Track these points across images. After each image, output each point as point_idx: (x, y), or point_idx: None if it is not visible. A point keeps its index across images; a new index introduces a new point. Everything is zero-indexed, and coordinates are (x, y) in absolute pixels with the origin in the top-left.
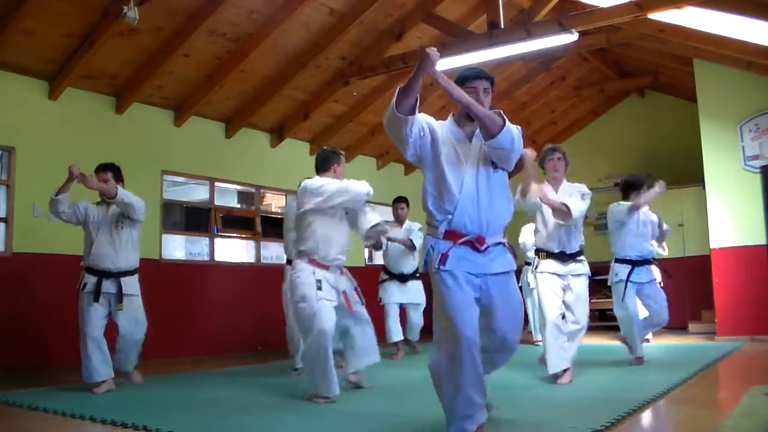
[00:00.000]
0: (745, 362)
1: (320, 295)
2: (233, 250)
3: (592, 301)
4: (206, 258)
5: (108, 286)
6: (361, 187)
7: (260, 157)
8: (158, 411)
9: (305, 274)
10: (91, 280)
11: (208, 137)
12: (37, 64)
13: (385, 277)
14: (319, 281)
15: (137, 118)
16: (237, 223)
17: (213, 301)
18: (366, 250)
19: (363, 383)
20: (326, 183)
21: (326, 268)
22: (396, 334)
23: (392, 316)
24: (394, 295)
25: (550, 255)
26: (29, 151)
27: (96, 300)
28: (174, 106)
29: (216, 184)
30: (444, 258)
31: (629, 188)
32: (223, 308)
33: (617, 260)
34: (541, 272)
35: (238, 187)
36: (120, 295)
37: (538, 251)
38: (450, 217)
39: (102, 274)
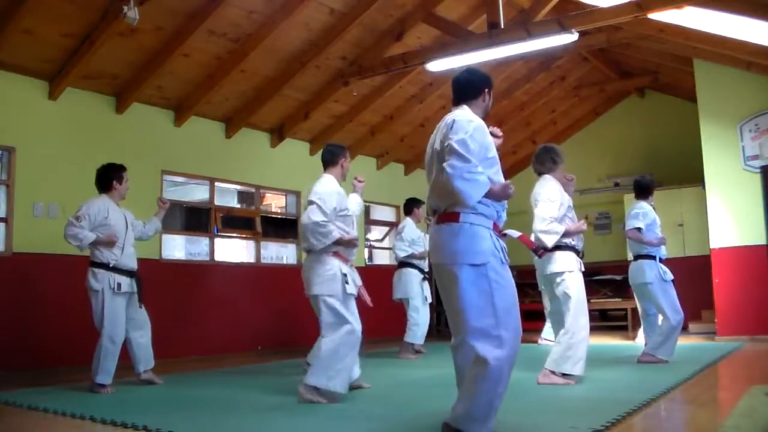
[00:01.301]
0: (745, 362)
1: (348, 289)
2: (233, 250)
3: (591, 301)
4: (206, 258)
5: (132, 284)
6: (359, 208)
7: (260, 157)
8: (158, 411)
9: (336, 267)
10: (125, 281)
11: (208, 137)
12: (37, 64)
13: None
14: (345, 275)
15: (137, 118)
16: (237, 223)
17: (213, 301)
18: (366, 250)
19: (364, 383)
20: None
21: (347, 261)
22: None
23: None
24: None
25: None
26: (29, 151)
27: (135, 300)
28: (174, 106)
29: (216, 184)
30: (504, 251)
31: (640, 190)
32: (223, 308)
33: (651, 257)
34: (572, 271)
35: (238, 187)
36: (140, 292)
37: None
38: (499, 212)
39: (131, 274)
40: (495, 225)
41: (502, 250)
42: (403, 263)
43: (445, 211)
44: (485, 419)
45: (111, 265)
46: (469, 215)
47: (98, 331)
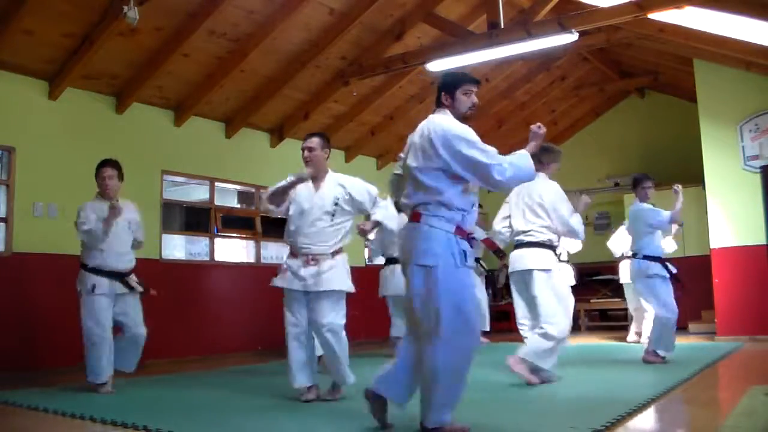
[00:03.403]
0: (745, 362)
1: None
2: (233, 250)
3: (591, 301)
4: (206, 258)
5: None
6: None
7: (260, 157)
8: (158, 411)
9: None
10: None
11: (208, 137)
12: (37, 64)
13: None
14: None
15: (137, 118)
16: (237, 223)
17: (213, 301)
18: (366, 251)
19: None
20: None
21: None
22: None
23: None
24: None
25: None
26: (29, 151)
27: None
28: (174, 106)
29: (216, 184)
30: (465, 255)
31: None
32: (223, 308)
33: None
34: None
35: (238, 187)
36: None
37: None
38: (464, 214)
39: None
40: (459, 228)
41: (462, 254)
42: (394, 260)
43: (413, 209)
44: (447, 410)
45: (89, 267)
46: (430, 218)
47: None
